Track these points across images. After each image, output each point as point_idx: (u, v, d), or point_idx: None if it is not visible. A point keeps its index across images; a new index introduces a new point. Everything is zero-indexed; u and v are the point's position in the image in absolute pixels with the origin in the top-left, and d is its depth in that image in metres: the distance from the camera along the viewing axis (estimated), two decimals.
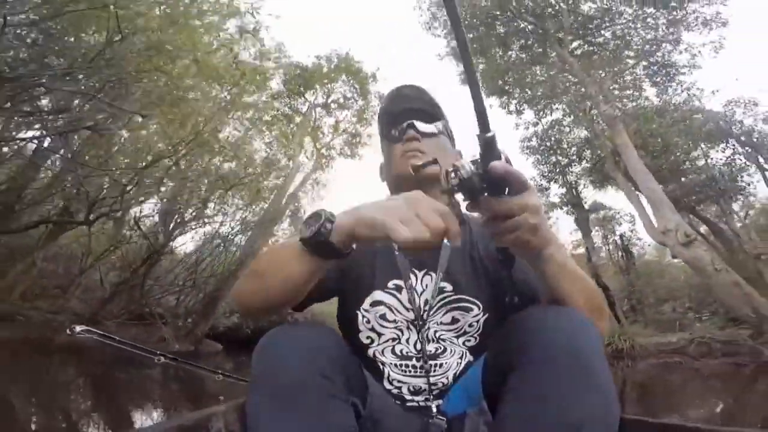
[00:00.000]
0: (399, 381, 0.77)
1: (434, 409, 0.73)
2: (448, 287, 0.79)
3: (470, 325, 0.78)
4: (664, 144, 8.66)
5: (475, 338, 0.78)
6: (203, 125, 6.29)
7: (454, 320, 0.78)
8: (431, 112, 0.88)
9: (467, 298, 0.78)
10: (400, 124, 0.87)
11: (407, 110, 0.87)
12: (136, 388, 4.14)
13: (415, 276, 0.81)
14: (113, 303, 7.46)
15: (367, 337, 0.79)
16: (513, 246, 0.56)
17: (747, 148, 8.88)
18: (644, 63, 12.27)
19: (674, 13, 11.50)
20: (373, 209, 0.53)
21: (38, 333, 5.86)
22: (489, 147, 0.49)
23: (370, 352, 0.78)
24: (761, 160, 8.59)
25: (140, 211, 8.42)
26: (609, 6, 12.17)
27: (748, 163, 8.85)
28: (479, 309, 0.78)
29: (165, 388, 4.29)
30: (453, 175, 0.51)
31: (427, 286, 0.80)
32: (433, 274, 0.80)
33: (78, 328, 0.95)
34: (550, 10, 12.09)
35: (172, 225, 8.86)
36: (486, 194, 0.51)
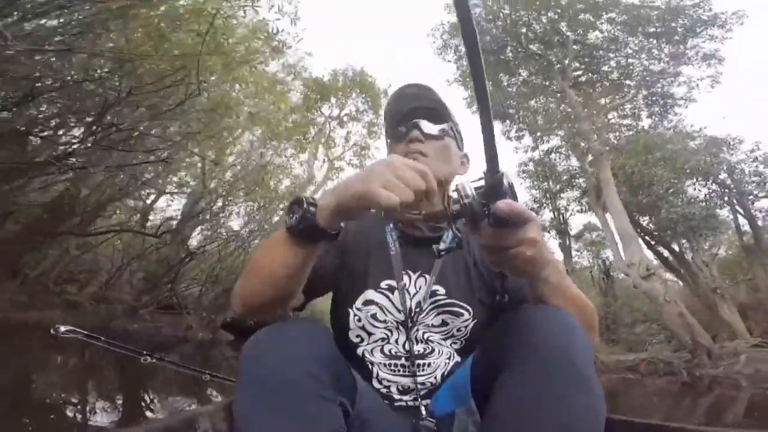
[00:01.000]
0: (387, 380, 0.78)
1: (422, 409, 0.74)
2: (441, 290, 0.80)
3: (458, 330, 0.79)
4: (647, 180, 9.59)
5: (462, 342, 0.80)
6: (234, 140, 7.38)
7: (444, 323, 0.79)
8: (438, 112, 0.86)
9: (458, 303, 0.79)
10: (405, 124, 0.86)
11: (413, 109, 0.86)
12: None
13: (409, 277, 0.82)
14: (148, 295, 8.77)
15: (357, 336, 0.80)
16: (507, 271, 0.57)
17: (725, 189, 9.75)
18: (644, 93, 13.11)
19: (678, 46, 12.27)
20: (352, 180, 0.54)
21: (91, 321, 7.15)
22: (496, 187, 0.50)
23: (359, 351, 0.80)
24: (735, 202, 9.46)
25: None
26: (615, 36, 12.92)
27: (724, 203, 9.74)
28: (469, 314, 0.79)
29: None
30: (455, 198, 0.53)
31: (420, 287, 0.81)
32: (427, 277, 0.81)
33: (62, 329, 0.93)
34: (558, 38, 12.92)
35: (199, 228, 10.16)
36: (487, 221, 0.52)
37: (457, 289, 0.80)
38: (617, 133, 12.71)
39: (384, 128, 0.92)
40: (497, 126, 13.47)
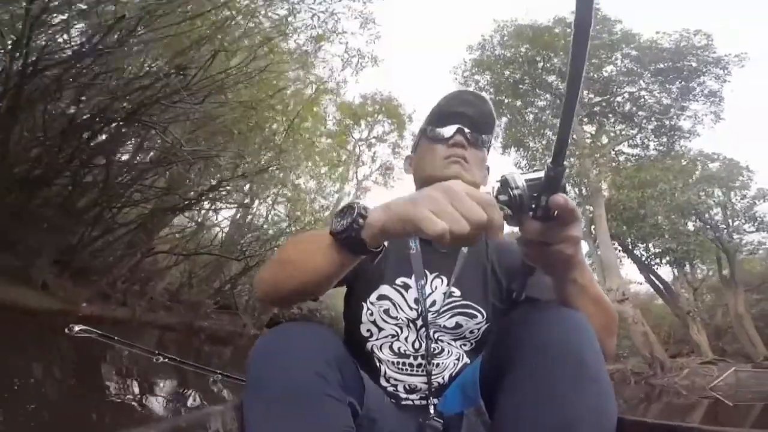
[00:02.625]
0: (395, 379, 0.80)
1: (431, 408, 0.76)
2: (457, 292, 0.82)
3: (471, 332, 0.81)
4: (641, 214, 11.16)
5: (472, 344, 0.82)
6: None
7: (458, 325, 0.80)
8: (486, 123, 0.88)
9: (473, 305, 0.81)
10: (450, 125, 0.86)
11: (462, 114, 0.86)
12: None
13: (426, 277, 0.83)
14: (212, 299, 11.15)
15: (367, 330, 0.82)
16: (541, 267, 0.59)
17: (711, 225, 11.19)
18: (654, 125, 14.44)
19: (685, 83, 13.60)
20: (405, 202, 0.52)
21: (177, 319, 8.59)
22: (557, 178, 0.50)
23: (368, 346, 0.81)
24: (719, 237, 10.90)
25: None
26: (629, 68, 14.28)
27: (712, 237, 11.17)
28: (483, 317, 0.81)
29: None
30: (502, 189, 0.53)
31: (436, 288, 0.83)
32: (444, 278, 0.83)
33: (76, 328, 0.95)
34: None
35: (250, 240, 12.49)
36: (531, 214, 0.52)
37: (473, 291, 0.82)
38: (618, 165, 14.05)
39: (423, 123, 0.91)
40: (512, 153, 15.03)
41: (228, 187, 6.84)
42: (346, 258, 0.59)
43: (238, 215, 11.96)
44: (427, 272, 0.84)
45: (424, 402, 0.78)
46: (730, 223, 11.25)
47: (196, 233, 9.76)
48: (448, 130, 0.87)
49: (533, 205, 0.52)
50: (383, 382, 0.80)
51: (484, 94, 0.88)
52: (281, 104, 6.62)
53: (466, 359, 0.81)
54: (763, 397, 5.90)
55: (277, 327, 0.60)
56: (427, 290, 0.82)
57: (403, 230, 0.52)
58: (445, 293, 0.82)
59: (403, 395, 0.79)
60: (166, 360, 1.09)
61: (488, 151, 0.92)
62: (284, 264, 0.65)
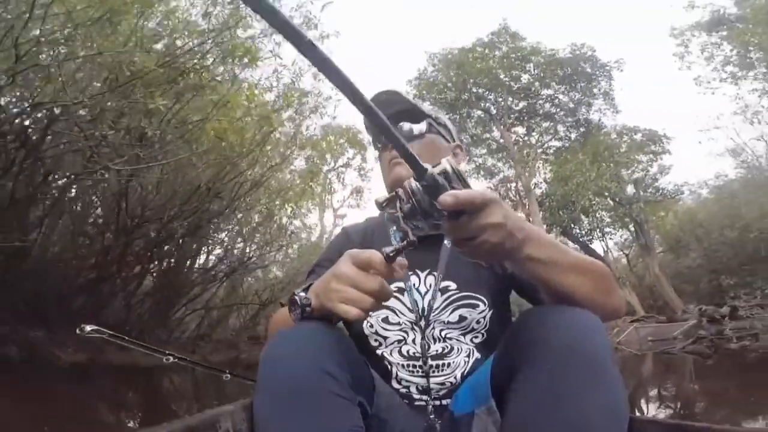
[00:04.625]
0: (407, 381, 0.81)
1: (430, 407, 0.77)
2: (453, 285, 0.83)
3: (477, 322, 0.81)
4: (568, 202, 13.45)
5: (483, 335, 0.82)
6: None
7: (462, 318, 0.81)
8: (413, 112, 0.89)
9: (473, 294, 0.82)
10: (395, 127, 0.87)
11: (389, 116, 0.86)
12: None
13: (418, 277, 0.84)
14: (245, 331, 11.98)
15: (375, 340, 0.84)
16: (486, 262, 0.59)
17: (627, 204, 13.66)
18: (570, 122, 17.03)
19: (588, 83, 16.27)
20: (322, 294, 0.58)
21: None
22: (432, 184, 0.50)
23: (379, 352, 0.83)
24: (633, 212, 13.39)
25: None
26: (541, 75, 16.75)
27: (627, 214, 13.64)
28: (485, 305, 0.82)
29: None
30: (402, 201, 0.52)
31: (431, 285, 0.83)
32: (436, 273, 0.83)
33: (87, 328, 0.98)
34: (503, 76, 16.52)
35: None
36: (444, 218, 0.51)
37: (468, 281, 0.82)
38: (547, 159, 16.46)
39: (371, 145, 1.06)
40: None
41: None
42: None
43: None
44: (419, 271, 0.85)
45: (437, 402, 0.79)
46: (641, 194, 13.74)
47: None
48: (383, 138, 0.87)
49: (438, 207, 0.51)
50: (395, 384, 0.81)
51: (395, 88, 0.88)
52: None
53: (477, 354, 0.81)
54: (659, 346, 7.21)
55: (288, 328, 0.61)
56: (422, 289, 0.84)
57: (334, 316, 0.59)
58: (441, 289, 0.83)
59: (416, 396, 0.80)
60: (176, 360, 1.12)
61: (444, 131, 0.94)
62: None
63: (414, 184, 0.51)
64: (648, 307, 12.71)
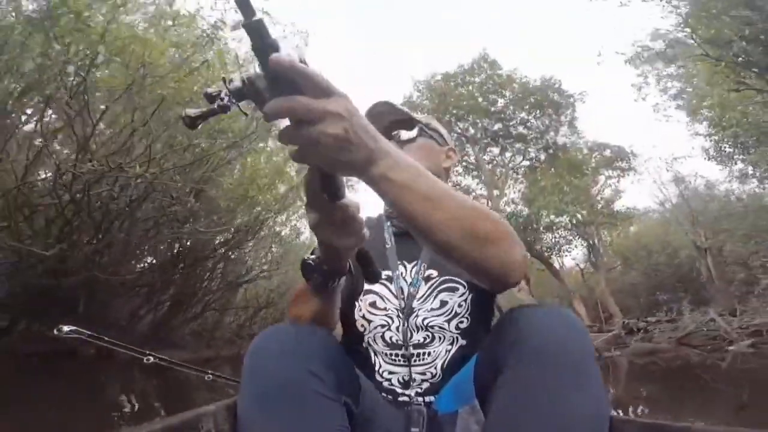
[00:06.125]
0: (389, 372, 0.83)
1: (412, 393, 0.80)
2: (435, 273, 0.88)
3: (459, 306, 0.85)
4: (533, 219, 15.10)
5: (467, 319, 0.84)
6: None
7: (443, 303, 0.85)
8: (407, 120, 0.97)
9: (453, 278, 0.86)
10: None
11: (389, 125, 0.95)
12: None
13: (405, 267, 0.90)
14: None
15: (361, 325, 0.88)
16: (321, 164, 0.48)
17: (581, 224, 15.39)
18: (541, 145, 18.74)
19: (556, 110, 17.99)
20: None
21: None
22: (258, 35, 0.39)
23: (366, 339, 0.87)
24: (585, 232, 15.14)
25: None
26: (516, 100, 18.40)
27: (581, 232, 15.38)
28: (464, 288, 0.85)
29: None
30: (230, 83, 0.43)
31: (415, 274, 0.89)
32: (423, 263, 0.89)
33: (65, 329, 0.96)
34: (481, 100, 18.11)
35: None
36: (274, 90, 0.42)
37: (449, 267, 0.71)
38: (517, 178, 18.18)
39: None
40: None
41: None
42: (328, 293, 0.69)
43: None
44: (405, 262, 0.90)
45: (420, 399, 0.80)
46: (595, 218, 15.49)
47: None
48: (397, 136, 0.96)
49: (275, 90, 0.42)
50: (378, 378, 0.83)
51: (387, 99, 0.93)
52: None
53: (462, 341, 0.83)
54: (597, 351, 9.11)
55: (271, 327, 0.62)
56: (408, 279, 0.88)
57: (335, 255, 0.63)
58: (424, 278, 0.87)
59: (399, 390, 0.82)
60: (157, 361, 1.09)
61: (435, 136, 1.00)
62: (296, 318, 0.71)
63: (249, 70, 0.43)
64: (594, 318, 14.59)
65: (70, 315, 5.26)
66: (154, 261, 8.23)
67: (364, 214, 0.60)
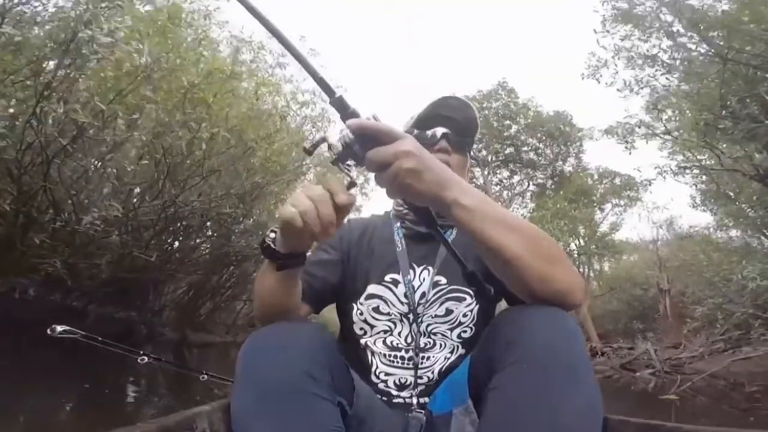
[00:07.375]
0: (386, 374, 0.83)
1: (415, 400, 0.80)
2: (443, 280, 0.87)
3: (464, 315, 0.85)
4: None
5: (471, 329, 0.85)
6: None
7: (448, 311, 0.85)
8: (468, 127, 0.93)
9: (460, 288, 0.86)
10: (436, 128, 0.91)
11: (448, 118, 0.91)
12: None
13: (414, 271, 0.89)
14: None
15: (360, 329, 0.88)
16: (402, 196, 0.58)
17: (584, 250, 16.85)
18: (549, 171, 20.18)
19: (565, 141, 19.42)
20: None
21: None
22: (342, 108, 0.55)
23: (363, 341, 0.87)
24: (577, 261, 16.60)
25: None
26: (528, 128, 19.87)
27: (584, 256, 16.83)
28: (471, 298, 0.86)
29: None
30: (332, 143, 0.55)
31: (424, 279, 0.88)
32: (431, 269, 0.88)
33: (59, 329, 0.96)
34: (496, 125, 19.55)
35: None
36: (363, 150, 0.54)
37: (458, 276, 0.82)
38: (522, 201, 19.67)
39: (406, 129, 0.95)
40: None
41: None
42: (283, 275, 0.68)
43: None
44: (415, 266, 0.89)
45: (414, 399, 0.80)
46: (589, 248, 16.90)
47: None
48: (433, 134, 0.92)
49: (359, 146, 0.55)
50: (374, 379, 0.83)
51: (467, 100, 0.91)
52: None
53: (461, 350, 0.85)
54: None
55: (267, 327, 0.62)
56: (416, 283, 0.88)
57: (284, 230, 0.62)
58: (432, 283, 0.87)
59: (394, 392, 0.82)
60: (151, 360, 1.09)
61: (470, 155, 0.98)
62: (256, 295, 0.74)
63: (338, 131, 0.55)
64: None
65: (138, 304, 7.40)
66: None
67: (364, 215, 0.63)
